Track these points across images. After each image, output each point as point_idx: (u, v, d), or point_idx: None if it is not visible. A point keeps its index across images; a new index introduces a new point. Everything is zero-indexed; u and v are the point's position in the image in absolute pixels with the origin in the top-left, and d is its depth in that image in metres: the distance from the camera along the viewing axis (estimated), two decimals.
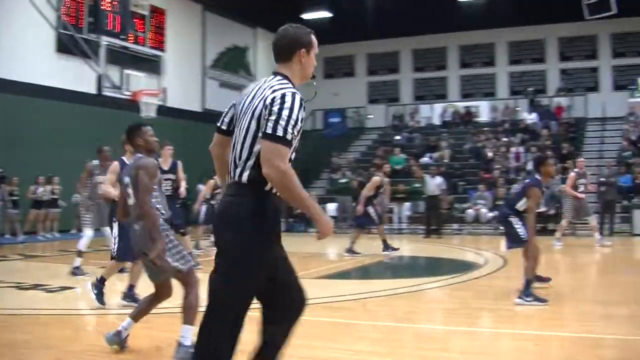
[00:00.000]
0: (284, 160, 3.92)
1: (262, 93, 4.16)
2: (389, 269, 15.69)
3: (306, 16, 33.70)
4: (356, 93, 38.73)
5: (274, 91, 4.09)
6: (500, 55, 37.65)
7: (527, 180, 10.67)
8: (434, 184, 23.55)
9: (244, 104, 4.27)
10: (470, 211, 24.96)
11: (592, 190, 19.83)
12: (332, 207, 27.44)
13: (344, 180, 27.08)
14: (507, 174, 27.77)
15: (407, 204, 26.30)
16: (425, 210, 24.18)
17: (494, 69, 37.72)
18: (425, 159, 30.42)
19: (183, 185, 12.88)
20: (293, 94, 4.09)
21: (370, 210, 17.23)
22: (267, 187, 4.10)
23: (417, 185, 25.82)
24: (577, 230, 22.18)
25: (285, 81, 4.26)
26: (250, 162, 4.10)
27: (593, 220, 18.74)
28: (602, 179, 22.49)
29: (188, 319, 6.36)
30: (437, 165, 26.65)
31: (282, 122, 3.96)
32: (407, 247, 20.32)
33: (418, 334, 7.82)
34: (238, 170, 4.15)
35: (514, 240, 10.25)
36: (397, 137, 33.20)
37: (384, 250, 17.26)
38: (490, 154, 29.29)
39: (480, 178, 27.37)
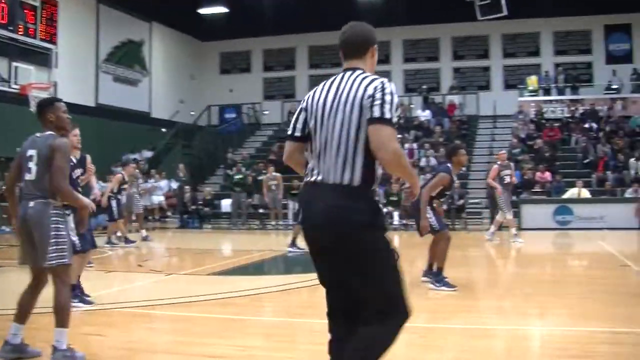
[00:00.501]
0: (396, 142, 3.99)
1: (353, 88, 4.17)
2: (284, 264, 15.82)
3: (203, 11, 33.60)
4: (252, 89, 38.70)
5: (371, 81, 4.13)
6: (395, 53, 38.23)
7: (440, 166, 11.17)
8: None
9: (325, 106, 4.26)
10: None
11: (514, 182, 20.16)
12: (226, 203, 27.39)
13: (239, 176, 27.07)
14: None
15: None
16: None
17: (389, 67, 38.20)
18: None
19: (94, 182, 12.06)
20: (389, 82, 4.12)
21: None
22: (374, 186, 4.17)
23: None
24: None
25: (368, 73, 4.28)
26: (359, 161, 4.07)
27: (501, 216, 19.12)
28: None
29: (61, 321, 6.03)
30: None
31: (388, 106, 4.00)
32: (302, 242, 20.45)
33: (310, 329, 7.92)
34: (339, 172, 4.09)
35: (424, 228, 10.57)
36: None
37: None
38: None
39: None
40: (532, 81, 34.35)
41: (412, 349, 6.93)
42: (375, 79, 4.14)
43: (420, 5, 32.26)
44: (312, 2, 31.95)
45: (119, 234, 18.89)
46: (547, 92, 34.37)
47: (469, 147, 30.63)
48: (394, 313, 4.24)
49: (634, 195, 24.34)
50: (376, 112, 3.99)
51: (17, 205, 6.41)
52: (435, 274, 10.54)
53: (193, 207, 27.07)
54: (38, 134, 6.34)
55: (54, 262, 6.04)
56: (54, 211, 6.15)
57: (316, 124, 4.27)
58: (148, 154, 31.72)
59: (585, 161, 28.42)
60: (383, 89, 4.06)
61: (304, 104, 4.43)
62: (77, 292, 8.85)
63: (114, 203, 17.99)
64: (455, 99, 35.15)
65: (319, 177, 4.16)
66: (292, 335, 7.67)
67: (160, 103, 35.23)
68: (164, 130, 34.19)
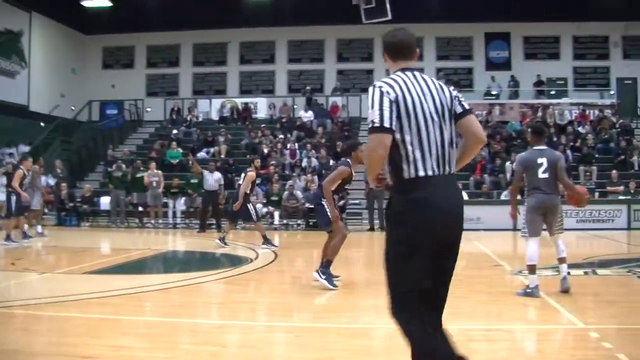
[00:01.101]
0: None
1: (438, 88, 4.56)
2: (163, 263, 15.63)
3: (87, 4, 32.92)
4: (135, 85, 37.98)
5: (445, 82, 4.76)
6: (281, 53, 38.29)
7: (339, 161, 11.38)
8: (213, 179, 23.63)
9: (423, 100, 4.45)
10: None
11: None
12: (105, 200, 26.80)
13: (119, 174, 26.57)
14: (283, 170, 28.35)
15: (182, 199, 26.17)
16: (202, 205, 24.22)
17: (274, 67, 38.31)
18: (202, 154, 30.48)
19: None
20: None
21: (249, 206, 17.28)
22: None
23: (193, 180, 25.76)
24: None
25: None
26: (454, 152, 4.51)
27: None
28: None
29: None
30: (214, 161, 26.76)
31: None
32: (182, 241, 20.31)
33: (189, 328, 7.87)
34: (447, 163, 4.43)
35: (325, 223, 11.14)
36: (175, 131, 32.94)
37: (263, 244, 17.08)
38: (266, 150, 29.74)
39: (257, 174, 27.70)
40: None
41: (288, 348, 6.97)
42: (442, 82, 4.71)
43: (306, 6, 32.42)
44: (199, 0, 31.72)
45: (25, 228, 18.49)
46: None
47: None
48: None
49: (509, 197, 25.01)
50: (467, 106, 4.62)
51: None
52: (322, 265, 10.74)
53: (71, 204, 26.44)
54: None
55: None
56: None
57: (424, 120, 4.41)
58: (25, 148, 30.71)
59: None
60: (454, 89, 4.69)
61: (393, 97, 4.40)
62: None
63: (13, 199, 17.53)
64: (339, 100, 35.39)
65: (437, 170, 4.37)
66: (170, 335, 7.54)
67: (39, 96, 34.14)
68: (42, 124, 33.21)
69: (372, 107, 4.34)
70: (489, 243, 19.04)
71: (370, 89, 4.42)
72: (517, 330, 7.81)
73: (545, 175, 9.81)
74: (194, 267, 15.25)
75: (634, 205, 24.27)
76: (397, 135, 4.34)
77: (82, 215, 26.55)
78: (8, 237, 17.58)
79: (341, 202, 24.85)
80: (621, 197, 24.87)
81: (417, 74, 4.59)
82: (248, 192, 17.20)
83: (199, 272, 13.04)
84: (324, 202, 11.02)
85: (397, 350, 6.84)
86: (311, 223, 25.04)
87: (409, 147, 4.36)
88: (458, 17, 34.67)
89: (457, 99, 4.58)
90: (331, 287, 10.38)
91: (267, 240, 17.23)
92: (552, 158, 9.92)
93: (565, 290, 9.69)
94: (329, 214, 10.90)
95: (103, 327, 7.70)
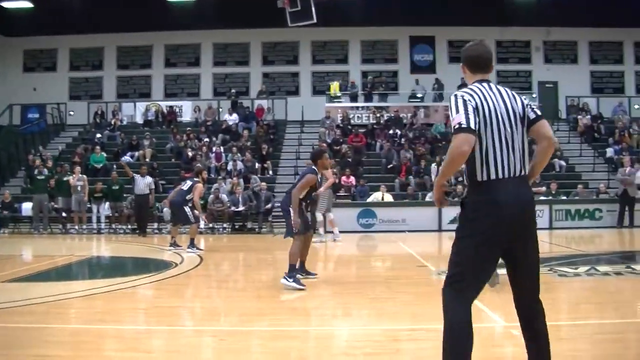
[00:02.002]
0: None
1: (511, 97, 5.01)
2: (86, 269, 15.39)
3: (7, 4, 32.17)
4: (57, 88, 37.24)
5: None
6: (206, 56, 38.10)
7: (305, 169, 12.45)
8: (144, 183, 23.48)
9: (498, 108, 4.90)
10: (167, 210, 24.99)
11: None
12: (27, 206, 26.20)
13: (41, 178, 26.01)
14: (208, 174, 28.19)
15: (106, 204, 25.77)
16: (135, 209, 23.98)
17: (199, 70, 38.11)
18: (126, 158, 30.13)
19: None
20: None
21: (187, 209, 17.38)
22: None
23: (114, 187, 25.44)
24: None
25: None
26: (526, 156, 4.97)
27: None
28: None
29: None
30: (140, 165, 26.45)
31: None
32: (107, 247, 20.03)
33: (108, 335, 7.75)
34: (520, 164, 4.91)
35: (289, 230, 11.60)
36: (99, 135, 32.45)
37: (189, 247, 17.08)
38: (191, 154, 29.54)
39: (181, 177, 27.54)
40: (334, 86, 35.15)
41: (213, 352, 6.96)
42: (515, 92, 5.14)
43: (231, 9, 32.29)
44: (122, 2, 31.34)
45: None
46: (353, 98, 35.25)
47: (276, 151, 31.18)
48: None
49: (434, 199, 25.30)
50: (539, 112, 5.11)
51: None
52: (289, 270, 11.10)
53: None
54: None
55: None
56: None
57: (497, 127, 4.88)
58: None
59: (389, 166, 29.38)
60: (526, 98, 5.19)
61: (474, 103, 4.85)
62: None
63: None
64: (264, 103, 35.35)
65: (508, 173, 4.86)
66: (95, 342, 7.41)
67: None
68: None
69: (457, 112, 4.78)
70: (414, 244, 19.29)
71: (452, 98, 4.87)
72: (440, 330, 7.90)
73: None
74: (118, 272, 15.00)
75: (556, 206, 24.84)
76: (486, 141, 4.86)
77: (2, 222, 25.97)
78: None
79: (268, 205, 24.93)
80: (543, 198, 25.36)
81: (492, 84, 5.07)
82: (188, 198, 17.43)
83: (124, 278, 12.87)
84: (290, 210, 11.43)
85: (322, 352, 6.89)
86: (237, 227, 25.00)
87: (485, 152, 4.86)
88: (383, 21, 35.05)
89: (528, 106, 5.07)
90: (301, 287, 10.87)
91: (192, 244, 17.19)
92: None
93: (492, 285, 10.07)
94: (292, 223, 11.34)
95: (26, 336, 7.54)
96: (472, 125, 4.73)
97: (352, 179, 27.22)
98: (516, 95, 5.05)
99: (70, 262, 15.68)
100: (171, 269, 14.01)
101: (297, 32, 31.65)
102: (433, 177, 27.55)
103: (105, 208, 25.76)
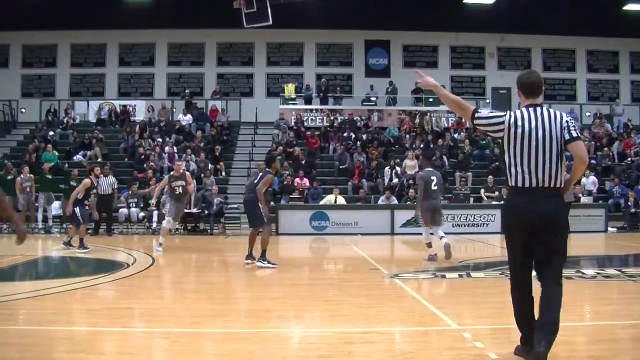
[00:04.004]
0: None
1: (554, 120, 6.03)
2: (35, 270, 15.17)
3: None
4: (9, 85, 36.69)
5: (560, 115, 6.09)
6: (160, 55, 37.90)
7: (261, 173, 14.60)
8: (107, 183, 23.33)
9: (534, 129, 6.00)
10: (123, 210, 24.81)
11: None
12: None
13: None
14: (161, 174, 28.01)
15: (57, 203, 25.40)
16: (97, 208, 23.78)
17: (153, 69, 37.88)
18: (78, 157, 29.84)
19: None
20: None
21: (77, 209, 17.53)
22: None
23: (73, 183, 25.06)
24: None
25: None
26: (558, 170, 6.00)
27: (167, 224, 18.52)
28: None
29: None
30: (92, 164, 26.14)
31: (576, 129, 6.06)
32: (56, 247, 19.72)
33: (59, 336, 7.65)
34: (547, 177, 5.97)
35: (259, 223, 14.30)
36: (51, 133, 32.04)
37: (79, 248, 17.08)
38: (144, 154, 29.33)
39: (134, 177, 27.36)
40: (289, 89, 35.19)
41: (164, 354, 6.91)
42: (559, 113, 6.12)
43: (187, 9, 32.18)
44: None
45: None
46: (308, 101, 35.29)
47: (229, 152, 31.13)
48: None
49: (386, 202, 25.48)
50: (575, 134, 6.00)
51: None
52: (261, 256, 14.05)
53: None
54: None
55: None
56: None
57: (536, 143, 5.99)
58: None
59: (342, 167, 29.45)
60: (569, 119, 6.11)
61: (506, 120, 6.13)
62: None
63: None
64: (218, 104, 35.22)
65: (535, 184, 6.00)
66: (44, 343, 7.27)
67: None
68: None
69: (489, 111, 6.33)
70: (367, 247, 19.37)
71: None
72: (394, 333, 7.97)
73: (435, 188, 15.15)
74: (69, 273, 14.84)
75: None
76: (509, 154, 6.07)
77: None
78: None
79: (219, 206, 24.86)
80: (495, 203, 25.63)
81: (538, 108, 6.10)
82: (80, 197, 17.70)
83: (74, 278, 12.74)
84: (260, 205, 14.10)
85: (275, 354, 6.89)
86: (189, 227, 24.88)
87: (514, 162, 6.04)
88: (338, 24, 35.20)
89: (566, 128, 5.99)
90: (273, 266, 13.95)
91: (82, 244, 17.28)
92: (438, 176, 15.58)
93: (448, 256, 14.55)
94: (263, 216, 14.13)
95: None
96: (477, 113, 6.25)
97: (306, 181, 27.24)
98: (559, 118, 6.04)
99: (17, 262, 15.40)
100: (123, 269, 13.90)
101: (253, 33, 31.69)
102: (386, 180, 27.71)
103: (56, 207, 25.38)
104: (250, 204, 14.46)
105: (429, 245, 15.25)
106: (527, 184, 5.98)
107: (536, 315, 5.98)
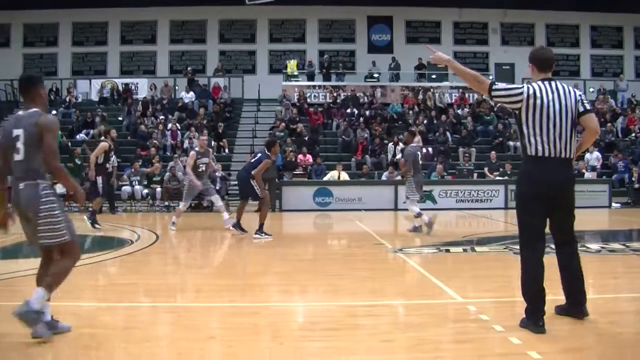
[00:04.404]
0: None
1: (568, 94, 6.41)
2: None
3: None
4: (11, 65, 36.50)
5: (573, 89, 6.49)
6: (162, 33, 37.81)
7: (260, 155, 15.20)
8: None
9: (552, 102, 6.30)
10: (126, 188, 24.82)
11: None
12: None
13: None
14: (164, 152, 28.02)
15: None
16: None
17: (155, 47, 37.79)
18: (81, 135, 29.83)
19: None
20: None
21: (99, 179, 17.02)
22: None
23: (78, 162, 25.02)
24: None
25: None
26: (572, 142, 6.38)
27: (218, 201, 17.88)
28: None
29: (48, 285, 6.20)
30: (94, 142, 26.10)
31: (588, 102, 6.56)
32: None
33: (65, 311, 7.60)
34: (564, 148, 6.31)
35: (254, 197, 15.17)
36: (54, 112, 31.97)
37: (90, 219, 16.91)
38: (147, 131, 29.31)
39: (137, 155, 27.36)
40: (292, 65, 35.11)
41: (171, 328, 6.92)
42: (572, 87, 6.56)
43: None
44: None
45: None
46: (310, 77, 35.22)
47: (231, 129, 31.04)
48: None
49: (390, 178, 25.48)
50: (588, 106, 6.47)
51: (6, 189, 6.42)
52: (258, 229, 14.84)
53: None
54: (21, 112, 6.21)
55: (51, 241, 6.16)
56: (45, 191, 6.07)
57: (554, 116, 6.28)
58: None
59: (345, 143, 29.43)
60: (581, 93, 6.54)
61: (525, 91, 6.34)
62: None
63: None
64: (220, 81, 35.15)
65: (552, 153, 6.29)
66: None
67: None
68: None
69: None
70: (370, 222, 19.40)
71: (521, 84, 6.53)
72: (399, 306, 7.99)
73: (420, 162, 16.08)
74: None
75: (511, 186, 24.95)
76: (527, 125, 6.32)
77: None
78: None
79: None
80: (499, 178, 25.64)
81: (552, 82, 6.41)
82: (100, 162, 17.08)
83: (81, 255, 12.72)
84: (253, 183, 14.74)
85: (280, 328, 6.90)
86: (193, 205, 24.86)
87: (533, 132, 6.29)
88: (341, 0, 35.04)
89: (580, 102, 6.41)
90: (269, 237, 14.72)
91: (94, 218, 16.99)
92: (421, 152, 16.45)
93: (429, 225, 15.17)
94: (257, 192, 14.88)
95: None
96: (494, 85, 6.47)
97: (309, 158, 27.24)
98: (573, 92, 6.43)
99: (24, 240, 15.33)
100: (127, 246, 13.92)
101: (255, 10, 31.69)
102: (389, 156, 27.68)
103: (59, 186, 25.27)
104: (242, 179, 15.27)
105: (419, 215, 15.55)
106: (546, 154, 6.27)
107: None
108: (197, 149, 17.24)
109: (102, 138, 17.78)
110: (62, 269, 6.30)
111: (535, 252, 6.41)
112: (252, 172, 14.71)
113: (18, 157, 6.09)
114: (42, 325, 6.10)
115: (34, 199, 6.06)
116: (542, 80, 6.43)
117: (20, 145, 6.08)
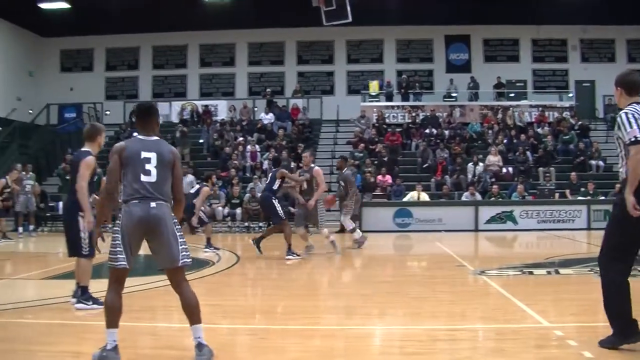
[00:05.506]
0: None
1: None
2: None
3: (44, 5, 32.32)
4: (94, 88, 37.49)
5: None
6: (241, 55, 38.16)
7: (272, 173, 15.87)
8: (186, 182, 23.55)
9: None
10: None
11: None
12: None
13: (68, 178, 25.91)
14: (243, 173, 28.20)
15: None
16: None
17: (234, 69, 38.17)
18: None
19: None
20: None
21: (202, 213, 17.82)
22: None
23: None
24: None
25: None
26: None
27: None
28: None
29: (198, 317, 6.54)
30: (186, 164, 26.55)
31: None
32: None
33: (143, 332, 7.71)
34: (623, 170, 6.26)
35: (275, 217, 15.52)
36: (135, 134, 32.44)
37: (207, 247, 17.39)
38: (227, 153, 29.57)
39: (217, 176, 27.58)
40: (374, 85, 35.07)
41: (251, 350, 6.89)
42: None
43: (266, 8, 32.30)
44: (157, 2, 31.46)
45: None
46: (389, 97, 35.14)
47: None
48: None
49: (470, 198, 25.20)
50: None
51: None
52: (288, 250, 15.09)
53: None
54: (141, 137, 6.54)
55: (186, 260, 6.50)
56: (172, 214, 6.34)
57: None
58: None
59: (425, 165, 29.23)
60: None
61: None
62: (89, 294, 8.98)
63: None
64: (299, 102, 35.31)
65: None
66: (130, 339, 7.32)
67: None
68: None
69: (631, 126, 6.06)
70: (451, 243, 19.12)
71: (623, 115, 6.17)
72: (480, 330, 7.81)
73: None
74: (154, 270, 14.94)
75: (594, 206, 24.45)
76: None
77: (40, 220, 26.14)
78: None
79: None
80: (581, 198, 25.10)
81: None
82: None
83: (160, 276, 12.84)
84: (275, 203, 15.31)
85: (358, 352, 6.80)
86: (268, 225, 24.97)
87: None
88: (418, 20, 34.92)
89: None
90: (299, 257, 15.07)
91: (209, 244, 17.43)
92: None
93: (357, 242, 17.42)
94: (279, 212, 15.31)
95: (61, 332, 7.56)
96: (636, 141, 6.00)
97: (388, 178, 27.12)
98: None
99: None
100: (208, 267, 13.99)
101: (332, 31, 31.61)
102: (469, 176, 27.37)
103: None
104: (264, 200, 15.80)
105: (354, 229, 17.80)
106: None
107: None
108: (302, 167, 17.07)
109: (204, 183, 18.05)
110: (196, 298, 6.73)
111: (627, 271, 6.43)
112: (273, 188, 15.45)
113: (148, 178, 6.23)
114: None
115: (168, 218, 6.29)
116: (637, 103, 6.28)
117: (151, 167, 6.28)
